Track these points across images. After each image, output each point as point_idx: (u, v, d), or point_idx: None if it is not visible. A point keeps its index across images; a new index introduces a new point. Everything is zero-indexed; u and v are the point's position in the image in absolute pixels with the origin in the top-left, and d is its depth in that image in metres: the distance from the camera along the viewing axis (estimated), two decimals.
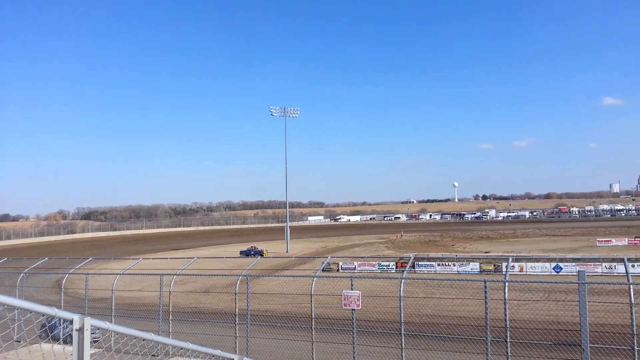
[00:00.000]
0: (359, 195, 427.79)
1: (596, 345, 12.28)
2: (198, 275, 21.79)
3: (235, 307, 15.94)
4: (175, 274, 18.65)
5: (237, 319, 15.78)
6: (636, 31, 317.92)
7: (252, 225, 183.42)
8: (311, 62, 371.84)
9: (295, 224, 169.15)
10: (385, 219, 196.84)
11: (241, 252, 68.91)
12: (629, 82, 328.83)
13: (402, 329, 13.79)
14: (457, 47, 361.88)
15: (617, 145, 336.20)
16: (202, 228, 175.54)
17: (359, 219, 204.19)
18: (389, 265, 49.47)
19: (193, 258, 19.25)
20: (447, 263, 48.77)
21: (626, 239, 69.31)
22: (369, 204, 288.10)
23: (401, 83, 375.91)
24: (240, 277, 16.60)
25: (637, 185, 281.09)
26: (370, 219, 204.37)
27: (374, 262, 51.06)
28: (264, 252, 68.12)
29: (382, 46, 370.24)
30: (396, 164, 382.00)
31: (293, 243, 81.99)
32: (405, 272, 17.52)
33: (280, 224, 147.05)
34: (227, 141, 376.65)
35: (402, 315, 13.91)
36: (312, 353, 15.05)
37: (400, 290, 14.21)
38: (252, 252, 66.12)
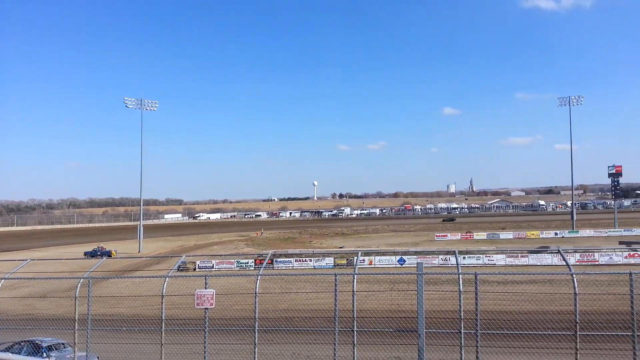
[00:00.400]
0: (220, 192, 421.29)
1: (431, 330, 13.53)
2: (33, 278, 19.45)
3: (75, 312, 14.54)
4: (3, 278, 16.44)
5: (76, 325, 14.41)
6: (473, 49, 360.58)
7: (100, 224, 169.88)
8: (168, 56, 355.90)
9: (150, 222, 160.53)
10: (246, 216, 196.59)
11: (86, 253, 63.37)
12: (465, 94, 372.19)
13: (256, 325, 13.82)
14: (319, 48, 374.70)
15: (454, 151, 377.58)
16: (40, 227, 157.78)
17: (219, 217, 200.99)
18: (247, 263, 49.39)
19: (26, 260, 17.12)
20: (304, 259, 50.26)
21: (459, 234, 78.10)
22: (230, 202, 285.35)
23: (263, 80, 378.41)
24: (82, 280, 15.19)
25: (469, 187, 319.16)
26: (231, 216, 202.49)
27: (233, 260, 50.58)
28: (113, 252, 63.33)
29: (245, 41, 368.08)
30: (259, 162, 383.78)
31: (147, 242, 77.64)
32: (262, 268, 17.66)
33: (134, 223, 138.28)
34: (71, 134, 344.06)
35: (256, 311, 13.93)
36: (161, 355, 14.36)
37: (256, 287, 14.23)
38: (99, 253, 61.03)
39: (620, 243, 56.92)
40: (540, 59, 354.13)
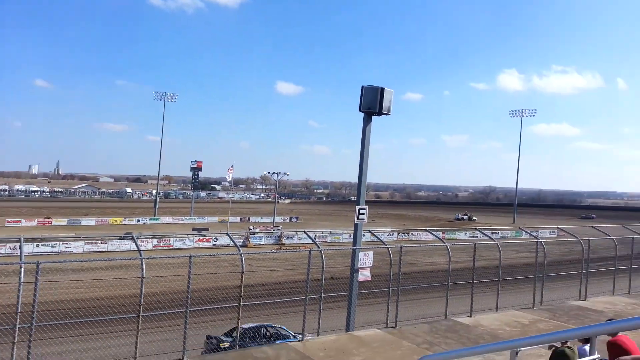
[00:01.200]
0: None
1: None
2: None
3: None
4: None
5: None
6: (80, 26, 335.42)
7: None
8: None
9: None
10: None
11: None
12: (61, 67, 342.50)
13: None
14: None
15: (42, 128, 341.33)
16: None
17: None
18: None
19: None
20: None
21: (36, 220, 71.05)
22: None
23: None
24: None
25: (55, 169, 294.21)
26: None
27: None
28: None
29: None
30: None
31: None
32: None
33: None
34: None
35: None
36: None
37: None
38: None
39: (194, 229, 64.46)
40: (143, 49, 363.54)
